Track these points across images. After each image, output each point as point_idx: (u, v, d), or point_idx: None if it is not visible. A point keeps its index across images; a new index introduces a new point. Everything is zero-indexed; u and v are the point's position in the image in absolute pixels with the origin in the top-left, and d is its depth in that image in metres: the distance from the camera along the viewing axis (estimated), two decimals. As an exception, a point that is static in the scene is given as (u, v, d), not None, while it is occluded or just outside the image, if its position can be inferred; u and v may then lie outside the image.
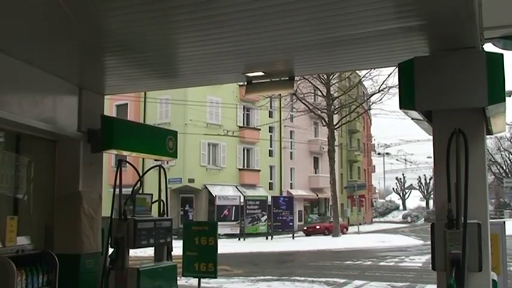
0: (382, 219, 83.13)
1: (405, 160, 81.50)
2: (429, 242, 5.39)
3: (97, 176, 7.49)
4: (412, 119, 6.10)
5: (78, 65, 6.82)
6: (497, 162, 71.43)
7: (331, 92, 39.60)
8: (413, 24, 5.09)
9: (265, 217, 37.63)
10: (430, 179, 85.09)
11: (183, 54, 6.38)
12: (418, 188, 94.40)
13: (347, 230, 45.19)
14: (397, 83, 5.71)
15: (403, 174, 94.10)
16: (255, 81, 7.20)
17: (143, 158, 21.09)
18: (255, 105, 42.20)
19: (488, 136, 6.17)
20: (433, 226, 5.27)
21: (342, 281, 15.72)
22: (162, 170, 7.81)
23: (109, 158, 29.58)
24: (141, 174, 7.60)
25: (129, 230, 6.84)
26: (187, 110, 37.20)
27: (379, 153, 79.24)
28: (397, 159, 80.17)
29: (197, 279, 9.35)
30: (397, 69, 5.68)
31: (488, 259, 5.19)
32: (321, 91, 39.70)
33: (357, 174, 64.58)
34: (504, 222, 6.21)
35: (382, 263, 21.11)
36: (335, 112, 40.58)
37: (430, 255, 5.42)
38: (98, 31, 5.42)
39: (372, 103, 44.61)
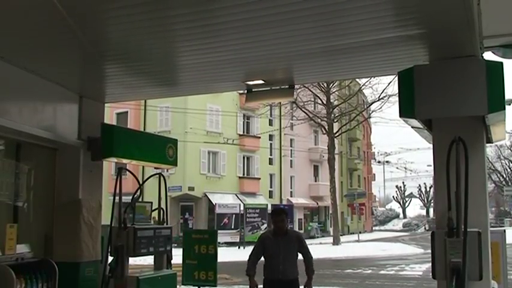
0: (382, 227, 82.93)
1: (405, 168, 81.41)
2: (429, 251, 5.38)
3: (97, 184, 7.49)
4: (412, 127, 6.10)
5: (78, 73, 6.83)
6: (498, 170, 71.27)
7: (331, 100, 39.61)
8: (413, 33, 5.11)
9: (265, 225, 37.46)
10: (430, 188, 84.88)
11: (183, 63, 6.40)
12: (418, 196, 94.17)
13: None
14: (397, 91, 5.72)
15: (403, 183, 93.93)
16: (255, 90, 7.21)
17: (143, 166, 21.07)
18: (255, 113, 42.16)
19: (488, 144, 6.18)
20: (434, 234, 5.26)
21: (342, 289, 15.68)
22: (162, 178, 7.81)
23: (109, 166, 29.55)
24: (141, 182, 7.60)
25: (128, 238, 6.83)
26: (188, 118, 37.19)
27: (379, 162, 79.10)
28: (397, 168, 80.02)
29: (197, 288, 9.32)
30: (397, 77, 5.70)
31: (488, 268, 5.18)
32: (321, 99, 39.71)
33: (357, 182, 64.47)
34: (504, 230, 6.20)
35: (382, 272, 21.03)
36: (335, 120, 40.56)
37: (430, 264, 5.41)
38: (98, 40, 5.43)
39: (372, 111, 44.59)
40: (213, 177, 39.86)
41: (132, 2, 4.43)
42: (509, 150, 69.50)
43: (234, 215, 37.64)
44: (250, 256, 7.18)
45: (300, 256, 7.08)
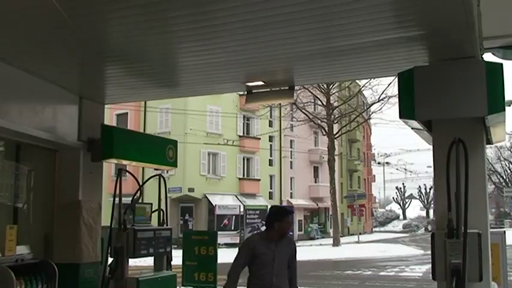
0: (382, 228, 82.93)
1: (405, 169, 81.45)
2: (429, 252, 5.38)
3: (97, 185, 7.49)
4: (412, 128, 6.10)
5: (78, 75, 6.83)
6: (497, 171, 71.31)
7: (331, 102, 39.64)
8: (413, 34, 5.11)
9: (265, 227, 37.45)
10: (430, 189, 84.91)
11: (183, 64, 6.40)
12: (418, 197, 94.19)
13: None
14: (397, 92, 5.72)
15: (403, 184, 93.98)
16: (255, 91, 7.21)
17: (143, 167, 21.07)
18: (255, 114, 42.16)
19: (488, 145, 6.18)
20: (434, 236, 5.26)
21: (342, 291, 15.68)
22: (161, 179, 7.81)
23: (109, 167, 29.54)
24: (141, 184, 7.60)
25: (128, 239, 6.83)
26: (188, 119, 37.19)
27: (379, 163, 79.09)
28: (397, 169, 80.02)
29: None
30: (396, 78, 5.70)
31: (488, 269, 5.18)
32: (320, 100, 39.73)
33: (357, 183, 64.44)
34: (504, 231, 6.20)
35: (382, 273, 21.02)
36: (335, 121, 40.57)
37: (430, 265, 5.41)
38: (98, 40, 5.43)
39: (372, 112, 44.61)
40: (213, 178, 39.84)
41: (133, 3, 4.43)
42: (509, 152, 69.53)
43: (234, 216, 37.61)
44: (232, 268, 5.77)
45: None
